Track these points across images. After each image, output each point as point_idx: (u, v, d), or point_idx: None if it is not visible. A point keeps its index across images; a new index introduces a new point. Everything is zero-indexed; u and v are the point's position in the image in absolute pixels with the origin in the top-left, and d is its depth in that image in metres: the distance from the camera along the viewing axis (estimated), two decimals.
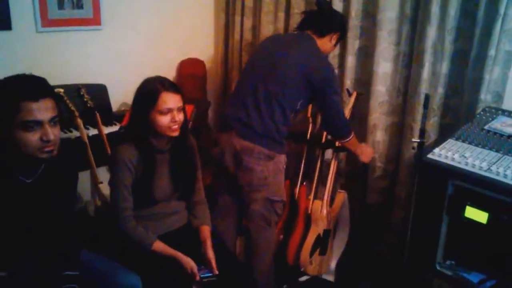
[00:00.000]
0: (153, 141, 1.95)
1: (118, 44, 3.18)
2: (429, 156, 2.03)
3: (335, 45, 2.45)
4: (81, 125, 2.58)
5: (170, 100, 1.90)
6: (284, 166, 2.39)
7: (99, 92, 2.97)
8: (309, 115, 2.80)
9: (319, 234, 2.63)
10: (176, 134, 1.94)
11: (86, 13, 2.96)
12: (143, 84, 1.96)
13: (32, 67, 2.62)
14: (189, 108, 2.64)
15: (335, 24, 2.40)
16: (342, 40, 2.51)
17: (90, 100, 2.75)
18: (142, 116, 1.90)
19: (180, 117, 1.93)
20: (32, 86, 1.52)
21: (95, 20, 3.00)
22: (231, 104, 2.43)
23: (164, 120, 1.89)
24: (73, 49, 3.01)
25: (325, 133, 2.68)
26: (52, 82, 2.17)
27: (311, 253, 2.63)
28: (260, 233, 2.40)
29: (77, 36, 3.00)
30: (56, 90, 2.46)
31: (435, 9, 2.33)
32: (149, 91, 1.90)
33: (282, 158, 2.35)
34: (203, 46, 3.64)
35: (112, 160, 1.95)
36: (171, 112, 1.89)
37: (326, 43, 2.38)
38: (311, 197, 2.69)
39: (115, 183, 1.92)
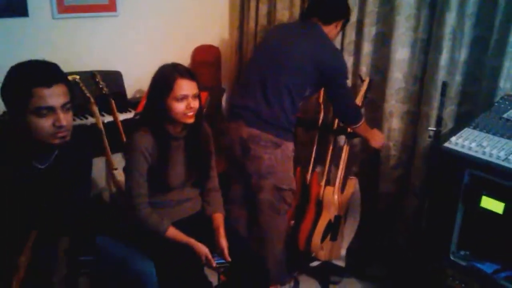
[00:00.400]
0: (168, 128, 1.95)
1: (133, 30, 3.17)
2: (446, 144, 1.99)
3: (339, 32, 2.46)
4: (97, 112, 2.58)
5: (186, 87, 1.91)
6: (293, 154, 2.38)
7: (114, 79, 2.97)
8: (320, 101, 2.77)
9: (330, 220, 2.63)
10: (191, 121, 1.94)
11: None
12: (159, 70, 1.96)
13: (48, 53, 2.62)
14: (204, 95, 2.63)
15: (341, 12, 2.39)
16: (345, 26, 2.49)
17: (105, 86, 2.72)
18: (157, 102, 1.91)
19: (195, 104, 1.93)
20: (44, 72, 1.53)
21: (110, 7, 2.99)
22: (239, 93, 2.43)
23: (179, 106, 1.91)
24: (89, 35, 3.01)
25: (337, 120, 2.66)
26: (68, 68, 2.16)
27: (322, 239, 2.62)
28: (269, 222, 2.40)
29: (93, 23, 2.99)
30: (72, 76, 2.48)
31: None
32: (165, 77, 1.91)
33: (290, 146, 2.35)
34: (217, 32, 3.60)
35: (127, 147, 1.96)
36: (186, 99, 1.89)
37: (331, 30, 2.37)
38: (323, 183, 2.67)
39: (130, 170, 1.93)
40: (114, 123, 2.69)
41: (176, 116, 1.94)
